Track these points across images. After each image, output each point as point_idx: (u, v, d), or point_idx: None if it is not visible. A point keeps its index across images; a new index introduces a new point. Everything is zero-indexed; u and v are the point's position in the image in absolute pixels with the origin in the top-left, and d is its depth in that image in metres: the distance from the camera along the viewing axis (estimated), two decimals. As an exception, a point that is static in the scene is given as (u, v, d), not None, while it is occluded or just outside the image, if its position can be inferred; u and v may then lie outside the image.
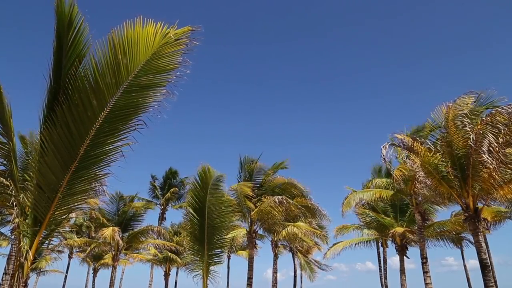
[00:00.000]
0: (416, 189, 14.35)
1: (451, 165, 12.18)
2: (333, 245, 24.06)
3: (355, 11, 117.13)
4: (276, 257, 25.10)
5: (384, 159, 11.89)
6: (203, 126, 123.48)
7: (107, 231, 20.22)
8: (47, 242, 5.78)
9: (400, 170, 16.31)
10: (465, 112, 11.66)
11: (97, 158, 5.19)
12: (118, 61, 4.58)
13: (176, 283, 36.15)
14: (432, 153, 12.32)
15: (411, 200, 18.27)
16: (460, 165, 12.07)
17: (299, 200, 17.94)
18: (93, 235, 26.84)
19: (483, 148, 10.92)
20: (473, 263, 35.27)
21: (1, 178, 5.17)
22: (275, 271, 24.76)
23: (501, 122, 10.79)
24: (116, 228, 20.77)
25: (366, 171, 24.23)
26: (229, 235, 11.53)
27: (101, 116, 4.77)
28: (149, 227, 23.78)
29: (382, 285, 27.08)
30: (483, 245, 12.11)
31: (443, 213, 34.01)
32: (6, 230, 20.63)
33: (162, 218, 33.53)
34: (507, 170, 11.57)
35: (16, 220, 4.93)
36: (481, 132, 11.09)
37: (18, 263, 4.85)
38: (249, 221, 17.94)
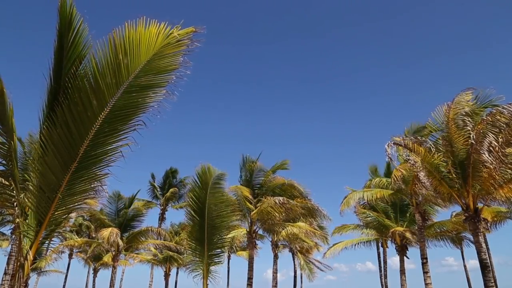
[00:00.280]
0: (416, 189, 14.34)
1: (452, 164, 12.19)
2: (333, 245, 24.06)
3: (354, 11, 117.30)
4: (276, 257, 25.10)
5: (390, 158, 11.86)
6: (203, 126, 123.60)
7: (106, 232, 20.23)
8: (47, 242, 5.77)
9: (400, 170, 16.32)
10: (465, 111, 11.66)
11: (97, 158, 5.19)
12: (119, 61, 4.59)
13: (176, 283, 36.18)
14: (432, 153, 12.33)
15: (411, 200, 18.27)
16: (461, 165, 12.07)
17: (299, 201, 17.94)
18: (93, 235, 26.85)
19: (483, 148, 10.94)
20: (473, 263, 35.34)
21: (1, 178, 5.17)
22: (275, 271, 24.77)
23: (501, 121, 10.80)
24: (115, 229, 20.78)
25: (366, 171, 24.17)
26: (229, 235, 11.52)
27: (101, 116, 4.77)
28: (149, 228, 23.82)
29: (382, 285, 27.07)
30: (483, 245, 12.12)
31: (443, 213, 33.99)
32: (5, 230, 20.68)
33: (162, 218, 33.50)
34: (507, 170, 11.58)
35: (17, 220, 4.94)
36: (481, 131, 11.11)
37: (18, 263, 4.86)
38: (249, 221, 17.94)
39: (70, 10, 4.74)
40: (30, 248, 4.94)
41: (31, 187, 4.99)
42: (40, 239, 5.11)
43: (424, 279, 17.41)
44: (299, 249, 29.32)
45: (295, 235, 19.04)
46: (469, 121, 11.45)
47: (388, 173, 21.26)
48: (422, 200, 17.85)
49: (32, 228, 5.03)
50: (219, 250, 10.12)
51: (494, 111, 11.12)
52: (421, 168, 12.36)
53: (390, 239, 21.79)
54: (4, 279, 12.57)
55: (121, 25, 4.52)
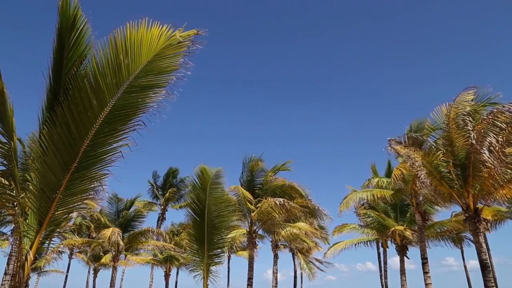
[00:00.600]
0: (416, 189, 14.35)
1: (452, 164, 12.19)
2: (333, 244, 24.07)
3: (355, 10, 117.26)
4: (276, 257, 25.12)
5: (395, 151, 11.77)
6: (203, 126, 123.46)
7: (107, 232, 20.28)
8: (47, 242, 5.77)
9: (400, 169, 16.33)
10: (467, 110, 11.63)
11: (97, 158, 5.19)
12: (120, 61, 4.59)
13: (176, 283, 36.21)
14: (433, 153, 12.33)
15: (411, 200, 18.27)
16: (461, 165, 12.07)
17: (299, 201, 17.93)
18: (93, 235, 26.86)
19: (483, 147, 10.93)
20: (473, 263, 35.31)
21: (1, 178, 5.17)
22: (275, 271, 24.78)
23: (502, 121, 10.78)
24: (116, 229, 20.83)
25: (367, 171, 24.12)
26: (229, 235, 11.54)
27: (101, 116, 4.77)
28: (149, 229, 23.84)
29: (382, 285, 27.07)
30: (484, 245, 12.12)
31: (443, 213, 34.03)
32: (6, 230, 20.67)
33: (162, 218, 33.51)
34: (508, 170, 11.57)
35: (17, 220, 4.94)
36: (482, 131, 11.10)
37: (18, 263, 4.86)
38: (249, 221, 17.95)
39: (74, 11, 4.76)
40: (30, 248, 4.94)
41: (31, 187, 5.00)
42: (40, 239, 5.11)
43: (424, 279, 17.41)
44: (299, 248, 29.33)
45: (295, 235, 19.05)
46: (469, 120, 11.44)
47: (389, 173, 21.25)
48: (422, 200, 17.85)
49: (32, 228, 5.03)
50: (219, 250, 10.14)
51: (495, 110, 11.11)
52: (421, 168, 12.37)
53: (390, 239, 21.80)
54: (4, 279, 12.57)
55: (123, 25, 4.53)
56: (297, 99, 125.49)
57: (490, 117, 11.06)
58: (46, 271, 28.81)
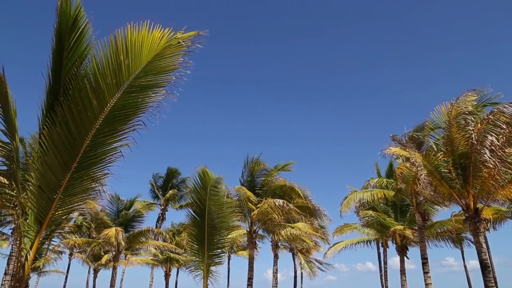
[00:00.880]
0: (417, 188, 14.34)
1: (452, 164, 12.18)
2: (334, 244, 24.07)
3: (354, 10, 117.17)
4: (276, 257, 25.10)
5: (392, 151, 11.74)
6: (203, 126, 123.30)
7: (111, 231, 20.32)
8: (47, 242, 5.78)
9: (401, 168, 16.33)
10: (469, 110, 11.62)
11: (97, 158, 5.19)
12: (120, 62, 4.59)
13: (176, 283, 36.21)
14: (433, 153, 12.33)
15: (411, 200, 18.27)
16: (461, 164, 12.06)
17: (299, 201, 17.93)
18: (94, 235, 26.86)
19: (484, 147, 10.92)
20: (474, 263, 35.27)
21: (2, 178, 5.17)
22: (275, 271, 24.77)
23: (503, 121, 10.78)
24: (119, 229, 20.87)
25: (367, 171, 24.12)
26: (229, 236, 11.54)
27: (101, 116, 4.77)
28: (150, 229, 23.84)
29: (382, 285, 27.06)
30: (484, 245, 12.11)
31: (443, 213, 33.99)
32: (6, 230, 20.67)
33: (162, 218, 33.50)
34: (508, 170, 11.56)
35: (17, 220, 4.94)
36: (482, 131, 11.09)
37: (19, 263, 4.85)
38: (249, 221, 17.94)
39: (75, 11, 4.76)
40: (30, 248, 4.94)
41: (31, 187, 4.99)
42: (40, 239, 5.11)
43: (424, 279, 17.41)
44: (299, 248, 29.33)
45: (295, 236, 19.05)
46: (471, 120, 11.43)
47: (390, 173, 21.23)
48: (422, 200, 17.85)
49: (32, 228, 5.03)
50: (220, 250, 10.16)
51: (495, 110, 11.10)
52: (421, 168, 12.36)
53: (390, 238, 21.79)
54: (4, 279, 12.56)
55: (124, 26, 4.54)
56: (297, 99, 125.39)
57: (491, 117, 11.05)
58: (46, 271, 28.86)
